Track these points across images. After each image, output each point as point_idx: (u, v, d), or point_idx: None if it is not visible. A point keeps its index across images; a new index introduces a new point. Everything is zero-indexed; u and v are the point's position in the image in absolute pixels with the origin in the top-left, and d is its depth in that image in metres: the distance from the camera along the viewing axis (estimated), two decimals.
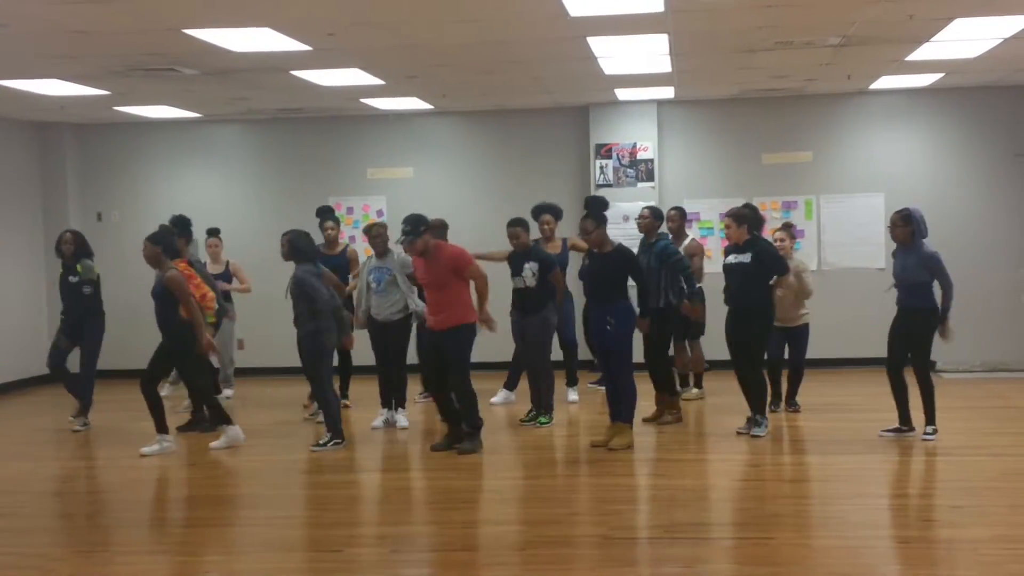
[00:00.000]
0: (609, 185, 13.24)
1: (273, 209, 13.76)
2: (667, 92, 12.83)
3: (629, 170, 13.42)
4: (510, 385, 11.17)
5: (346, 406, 11.00)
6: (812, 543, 6.39)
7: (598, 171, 13.44)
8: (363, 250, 11.25)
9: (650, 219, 9.87)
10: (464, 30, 8.76)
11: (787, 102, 13.41)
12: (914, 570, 6.02)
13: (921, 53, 10.41)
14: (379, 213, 13.75)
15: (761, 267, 8.98)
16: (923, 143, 13.43)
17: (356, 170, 14.14)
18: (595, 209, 8.92)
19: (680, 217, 10.81)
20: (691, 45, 9.85)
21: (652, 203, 10.66)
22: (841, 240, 13.35)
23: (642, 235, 9.91)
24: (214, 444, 9.38)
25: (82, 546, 6.91)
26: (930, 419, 8.93)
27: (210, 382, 10.06)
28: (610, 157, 13.44)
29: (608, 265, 8.79)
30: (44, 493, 8.51)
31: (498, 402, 11.08)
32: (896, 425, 9.04)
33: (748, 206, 9.45)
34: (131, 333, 11.93)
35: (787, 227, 10.23)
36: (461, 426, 9.05)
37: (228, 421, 9.50)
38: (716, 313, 9.84)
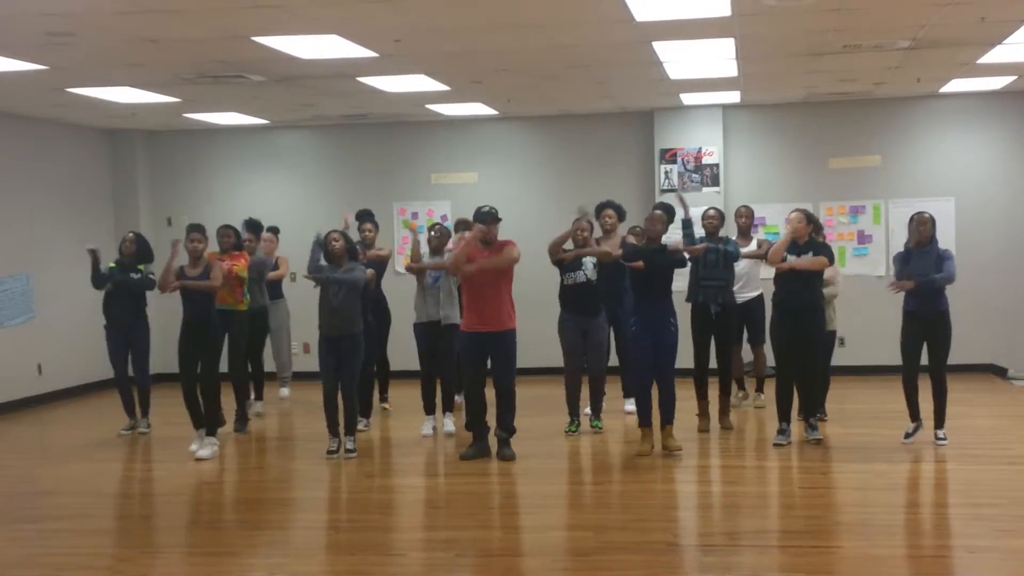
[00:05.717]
0: (674, 190, 13.13)
1: (338, 214, 13.78)
2: (733, 96, 12.75)
3: (694, 175, 13.34)
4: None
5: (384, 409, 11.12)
6: (879, 552, 6.29)
7: (663, 176, 13.38)
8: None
9: (717, 219, 10.09)
10: (529, 35, 8.77)
11: (855, 106, 13.24)
12: None
13: (993, 56, 10.23)
14: (443, 218, 13.80)
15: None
16: (995, 147, 13.19)
17: (420, 175, 14.23)
18: (668, 209, 9.19)
19: (749, 215, 10.80)
20: (758, 49, 9.77)
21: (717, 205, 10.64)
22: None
23: (708, 234, 9.99)
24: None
25: (149, 547, 7.03)
26: (941, 422, 8.97)
27: (217, 383, 9.62)
28: (675, 162, 13.37)
29: (665, 257, 8.86)
30: (111, 494, 8.65)
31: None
32: (912, 427, 9.09)
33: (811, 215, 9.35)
34: None
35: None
36: (487, 435, 9.05)
37: (213, 431, 9.49)
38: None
